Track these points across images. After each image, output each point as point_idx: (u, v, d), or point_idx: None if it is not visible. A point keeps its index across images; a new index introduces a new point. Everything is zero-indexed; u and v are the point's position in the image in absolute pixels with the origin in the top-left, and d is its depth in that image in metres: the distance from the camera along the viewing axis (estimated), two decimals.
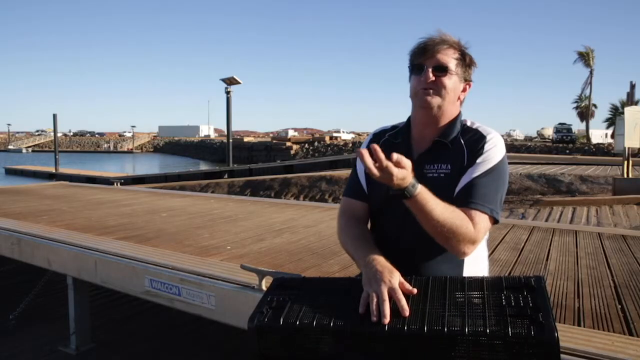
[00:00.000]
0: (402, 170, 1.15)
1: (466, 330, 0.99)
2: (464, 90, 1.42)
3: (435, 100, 1.35)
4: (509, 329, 0.98)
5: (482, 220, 1.28)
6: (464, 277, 1.23)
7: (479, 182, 1.30)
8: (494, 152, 1.35)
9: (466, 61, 1.39)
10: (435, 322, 1.03)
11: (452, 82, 1.36)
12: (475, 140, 1.37)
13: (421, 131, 1.43)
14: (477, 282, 1.16)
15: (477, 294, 1.11)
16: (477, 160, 1.33)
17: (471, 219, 1.26)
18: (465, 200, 1.29)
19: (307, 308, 1.15)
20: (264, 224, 4.03)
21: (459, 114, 1.43)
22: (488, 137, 1.37)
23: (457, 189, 1.31)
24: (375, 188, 1.47)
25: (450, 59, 1.35)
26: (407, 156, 1.43)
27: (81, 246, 3.13)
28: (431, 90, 1.35)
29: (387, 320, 1.09)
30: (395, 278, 1.19)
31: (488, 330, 0.98)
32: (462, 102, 1.44)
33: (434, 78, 1.34)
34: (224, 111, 24.11)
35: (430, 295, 1.14)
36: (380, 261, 1.24)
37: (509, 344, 0.97)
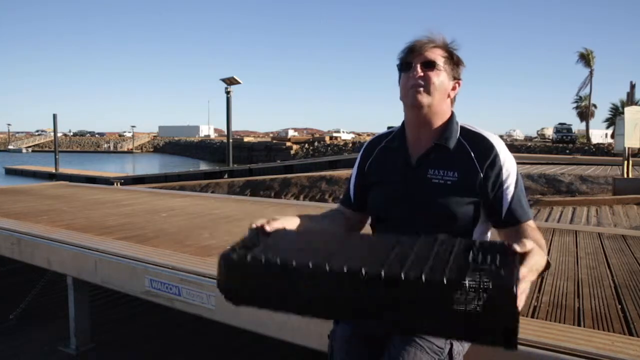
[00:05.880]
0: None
1: (423, 278, 0.97)
2: (454, 88, 1.42)
3: (425, 99, 1.35)
4: (466, 278, 0.96)
5: (533, 223, 1.38)
6: (451, 237, 1.17)
7: (517, 198, 1.37)
8: (510, 159, 1.39)
9: (454, 59, 1.40)
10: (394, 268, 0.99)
11: (440, 79, 1.36)
12: (482, 147, 1.38)
13: (416, 133, 1.43)
14: (456, 241, 1.12)
15: (448, 249, 1.07)
16: (503, 177, 1.36)
17: (533, 228, 1.35)
18: (518, 217, 1.37)
19: (282, 249, 1.11)
20: None
21: (453, 115, 1.44)
22: (495, 144, 1.38)
23: (504, 209, 1.36)
24: (373, 196, 1.50)
25: (437, 56, 1.37)
26: (405, 159, 1.44)
27: (81, 246, 3.12)
28: (421, 88, 1.35)
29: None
30: (279, 222, 1.27)
31: (445, 279, 0.96)
32: (453, 101, 1.44)
33: (422, 73, 1.35)
34: (224, 111, 24.15)
35: (416, 249, 1.09)
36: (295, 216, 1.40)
37: (464, 291, 0.94)
